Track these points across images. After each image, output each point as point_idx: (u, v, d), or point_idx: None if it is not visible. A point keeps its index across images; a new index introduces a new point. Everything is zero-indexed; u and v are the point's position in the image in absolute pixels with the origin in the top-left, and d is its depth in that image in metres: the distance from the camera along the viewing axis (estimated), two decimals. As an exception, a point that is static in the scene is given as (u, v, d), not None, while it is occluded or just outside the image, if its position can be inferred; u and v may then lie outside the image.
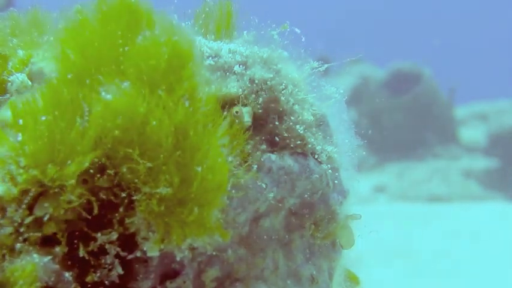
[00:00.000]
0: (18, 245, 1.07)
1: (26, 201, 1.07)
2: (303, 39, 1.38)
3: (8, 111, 1.15)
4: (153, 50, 1.08)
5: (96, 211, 1.09)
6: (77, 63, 1.10)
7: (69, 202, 1.07)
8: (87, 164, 1.06)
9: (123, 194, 1.09)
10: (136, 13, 1.13)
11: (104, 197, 1.10)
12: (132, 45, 1.10)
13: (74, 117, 1.07)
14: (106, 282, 1.11)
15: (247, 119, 1.26)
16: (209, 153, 1.08)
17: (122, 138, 1.07)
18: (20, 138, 1.06)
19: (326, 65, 1.43)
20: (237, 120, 1.24)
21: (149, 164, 1.06)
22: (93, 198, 1.08)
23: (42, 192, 1.09)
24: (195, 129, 1.08)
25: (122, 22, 1.12)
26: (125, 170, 1.07)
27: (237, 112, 1.24)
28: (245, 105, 1.29)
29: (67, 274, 1.08)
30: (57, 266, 1.08)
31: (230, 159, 1.15)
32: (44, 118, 1.06)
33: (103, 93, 1.06)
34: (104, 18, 1.12)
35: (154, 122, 1.05)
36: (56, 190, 1.07)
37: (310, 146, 1.34)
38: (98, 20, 1.12)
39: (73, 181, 1.06)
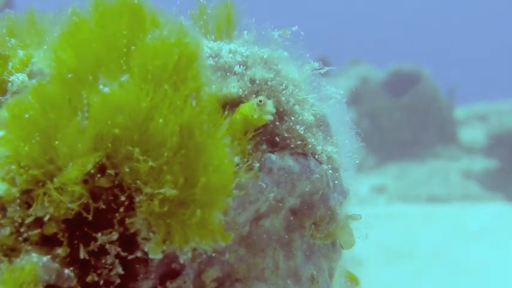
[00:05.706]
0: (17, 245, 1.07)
1: (25, 201, 1.07)
2: (303, 40, 1.38)
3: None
4: (162, 49, 1.08)
5: (91, 216, 1.08)
6: (73, 65, 1.10)
7: (69, 202, 1.07)
8: (90, 166, 1.06)
9: (123, 195, 1.09)
10: (139, 14, 1.13)
11: (104, 197, 1.10)
12: (139, 44, 1.10)
13: (73, 115, 1.07)
14: (107, 282, 1.11)
15: (270, 108, 1.20)
16: (215, 154, 1.08)
17: (123, 136, 1.06)
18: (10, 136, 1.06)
19: (327, 68, 1.43)
20: (257, 111, 1.20)
21: (151, 163, 1.05)
22: (91, 202, 1.08)
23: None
24: (201, 129, 1.08)
25: (123, 23, 1.11)
26: (126, 170, 1.06)
27: (260, 101, 1.19)
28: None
29: (67, 271, 1.08)
30: (56, 265, 1.07)
31: (237, 159, 1.15)
32: (28, 115, 1.06)
33: (101, 86, 1.06)
34: (104, 19, 1.12)
35: (160, 120, 1.05)
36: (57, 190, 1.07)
37: (310, 146, 1.34)
38: (96, 21, 1.12)
39: (78, 187, 1.06)
